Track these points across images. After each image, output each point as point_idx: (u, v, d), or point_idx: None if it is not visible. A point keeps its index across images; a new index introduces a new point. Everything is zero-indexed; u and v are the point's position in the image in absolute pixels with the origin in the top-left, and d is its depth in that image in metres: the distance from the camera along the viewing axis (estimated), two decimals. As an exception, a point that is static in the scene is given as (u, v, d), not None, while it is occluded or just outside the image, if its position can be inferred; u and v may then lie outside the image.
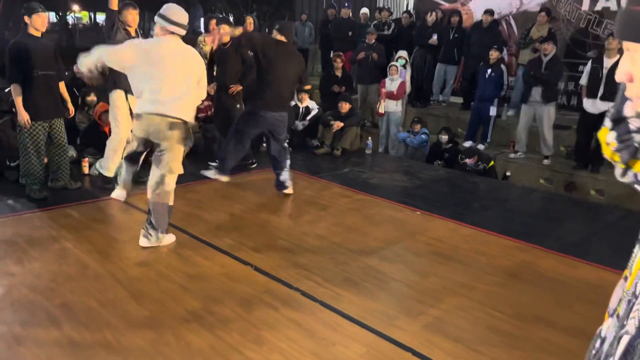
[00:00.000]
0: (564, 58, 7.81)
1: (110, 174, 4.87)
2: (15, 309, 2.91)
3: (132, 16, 4.75)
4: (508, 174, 7.08)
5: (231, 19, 14.27)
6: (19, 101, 4.40)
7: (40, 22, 4.41)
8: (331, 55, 9.56)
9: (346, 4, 9.84)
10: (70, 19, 30.85)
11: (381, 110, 7.96)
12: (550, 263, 3.86)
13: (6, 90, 6.30)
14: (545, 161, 7.01)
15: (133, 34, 4.76)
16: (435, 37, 8.54)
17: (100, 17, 39.22)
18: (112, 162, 4.84)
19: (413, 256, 3.97)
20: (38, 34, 4.45)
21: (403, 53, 8.29)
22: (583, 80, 6.66)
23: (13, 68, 4.37)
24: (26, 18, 4.39)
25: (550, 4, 8.39)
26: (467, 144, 7.59)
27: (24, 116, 4.41)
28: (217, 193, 5.08)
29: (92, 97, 6.57)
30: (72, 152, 5.37)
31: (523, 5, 8.85)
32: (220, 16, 7.51)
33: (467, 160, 6.52)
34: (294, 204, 5.03)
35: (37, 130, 4.52)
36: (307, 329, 2.87)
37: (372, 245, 4.06)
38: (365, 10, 10.12)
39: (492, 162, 6.64)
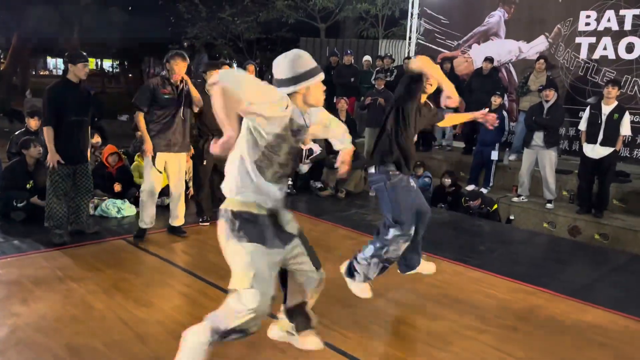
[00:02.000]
0: (565, 104, 7.96)
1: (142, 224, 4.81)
2: (20, 349, 2.87)
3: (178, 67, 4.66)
4: (512, 217, 7.10)
5: (234, 65, 14.69)
6: (50, 143, 4.41)
7: (83, 71, 4.46)
8: (334, 101, 9.78)
9: (348, 51, 10.10)
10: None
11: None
12: (559, 306, 3.82)
13: (16, 133, 6.42)
14: (549, 205, 7.03)
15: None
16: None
17: (107, 64, 40.32)
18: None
19: (420, 299, 3.93)
20: (77, 81, 4.48)
21: (405, 98, 8.44)
22: (582, 126, 6.76)
23: (49, 111, 4.42)
24: (70, 65, 4.44)
25: (548, 52, 8.62)
26: (470, 187, 7.63)
27: (54, 158, 4.42)
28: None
29: (96, 139, 6.65)
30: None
31: (522, 53, 9.08)
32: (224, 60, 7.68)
33: (471, 203, 6.54)
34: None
35: (62, 174, 4.51)
36: (314, 372, 2.82)
37: (379, 288, 4.01)
38: (367, 57, 10.38)
39: (495, 206, 6.67)
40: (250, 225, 2.27)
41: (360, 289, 3.53)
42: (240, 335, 2.35)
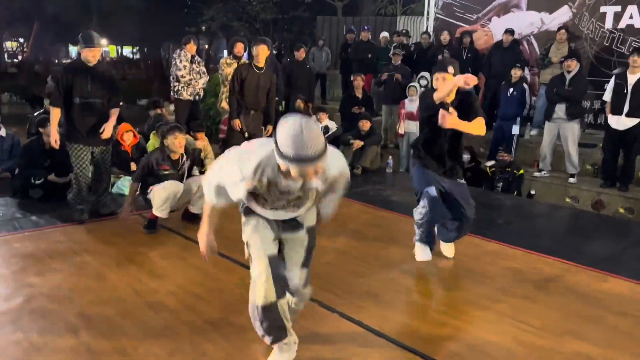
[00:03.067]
0: (589, 76, 7.69)
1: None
2: (34, 318, 2.91)
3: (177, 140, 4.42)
4: (533, 192, 6.93)
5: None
6: (53, 123, 4.43)
7: (90, 55, 4.36)
8: (351, 79, 9.65)
9: (366, 27, 9.93)
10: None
11: (401, 131, 7.93)
12: (579, 277, 3.72)
13: (35, 114, 6.49)
14: (571, 179, 6.84)
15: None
16: (446, 54, 8.53)
17: (126, 50, 40.67)
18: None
19: (436, 270, 3.86)
20: (90, 63, 4.39)
21: (425, 74, 8.29)
22: (607, 97, 6.54)
23: (57, 92, 4.41)
24: (78, 47, 4.40)
25: (571, 22, 8.33)
26: (490, 163, 7.47)
27: (52, 137, 4.47)
28: (235, 208, 5.07)
29: None
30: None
31: (544, 25, 8.81)
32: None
33: (501, 156, 6.52)
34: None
35: (80, 153, 4.49)
36: (326, 339, 2.79)
37: (393, 259, 3.98)
38: (385, 33, 10.19)
39: (522, 170, 6.60)
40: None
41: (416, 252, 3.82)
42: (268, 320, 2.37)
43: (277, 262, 2.40)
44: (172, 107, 7.73)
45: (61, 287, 3.30)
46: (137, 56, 36.41)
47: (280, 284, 2.38)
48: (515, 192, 6.62)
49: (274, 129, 2.06)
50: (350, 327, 2.94)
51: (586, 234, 4.86)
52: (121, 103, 4.75)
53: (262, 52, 5.64)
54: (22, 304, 3.05)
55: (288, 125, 1.95)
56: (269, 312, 2.34)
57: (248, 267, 3.65)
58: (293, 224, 2.46)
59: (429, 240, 3.75)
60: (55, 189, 5.14)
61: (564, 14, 8.57)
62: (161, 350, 2.63)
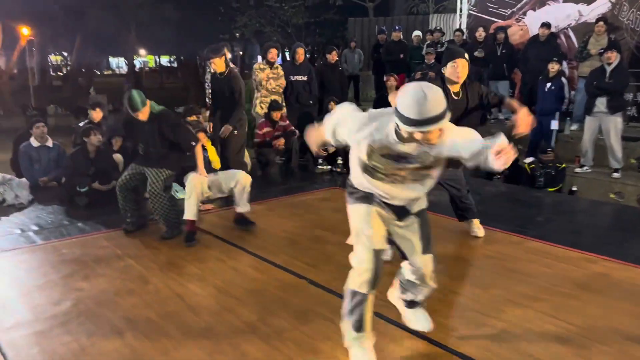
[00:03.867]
0: (630, 68, 7.44)
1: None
2: (81, 321, 3.03)
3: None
4: (574, 189, 6.76)
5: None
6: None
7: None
8: (384, 80, 9.62)
9: (397, 27, 9.90)
10: (137, 63, 32.91)
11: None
12: (624, 274, 3.61)
13: (80, 124, 6.74)
14: (615, 174, 6.64)
15: None
16: (481, 51, 8.42)
17: (164, 60, 41.60)
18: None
19: (473, 269, 3.82)
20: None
21: (458, 71, 8.19)
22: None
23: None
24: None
25: (611, 13, 8.08)
26: (528, 160, 7.32)
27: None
28: (272, 212, 5.15)
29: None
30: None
31: (582, 17, 8.58)
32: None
33: (542, 156, 6.49)
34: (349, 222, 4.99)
35: (129, 170, 4.48)
36: (364, 340, 2.80)
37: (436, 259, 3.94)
38: (417, 32, 10.13)
39: (564, 164, 6.46)
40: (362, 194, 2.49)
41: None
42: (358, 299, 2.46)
43: (380, 259, 2.44)
44: (207, 113, 7.87)
45: (107, 291, 3.42)
46: (174, 64, 37.27)
47: (377, 281, 2.44)
48: (560, 186, 6.48)
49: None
50: (389, 328, 2.94)
51: (631, 230, 4.70)
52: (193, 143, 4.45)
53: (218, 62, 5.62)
54: (70, 308, 3.19)
55: (410, 91, 2.06)
56: (358, 301, 2.44)
57: (284, 269, 3.74)
58: (403, 211, 2.50)
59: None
60: (99, 197, 5.33)
61: (602, 5, 8.34)
62: (201, 351, 2.70)
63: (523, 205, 5.54)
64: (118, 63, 46.24)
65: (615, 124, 6.51)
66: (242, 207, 4.62)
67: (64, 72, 32.61)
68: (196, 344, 2.77)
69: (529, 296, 3.29)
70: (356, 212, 2.50)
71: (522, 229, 4.58)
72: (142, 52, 34.37)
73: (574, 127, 7.91)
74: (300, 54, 7.54)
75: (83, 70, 25.15)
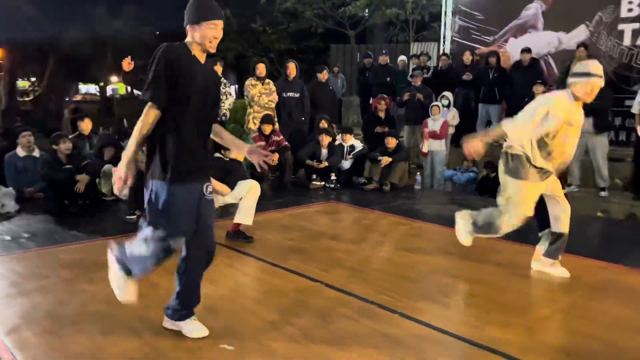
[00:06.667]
0: (608, 94, 7.73)
1: None
2: (93, 320, 2.86)
3: None
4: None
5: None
6: None
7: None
8: (370, 102, 9.73)
9: (384, 52, 10.07)
10: (109, 90, 32.48)
11: (425, 149, 7.93)
12: (637, 278, 3.64)
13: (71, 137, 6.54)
14: (603, 193, 6.78)
15: None
16: (469, 74, 8.62)
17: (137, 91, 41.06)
18: None
19: (488, 275, 3.78)
20: None
21: (447, 94, 8.36)
22: (635, 109, 6.56)
23: None
24: None
25: (589, 41, 8.42)
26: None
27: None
28: (273, 223, 5.05)
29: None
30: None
31: (562, 44, 8.90)
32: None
33: None
34: (353, 231, 4.94)
35: None
36: (393, 338, 2.72)
37: (443, 266, 3.92)
38: (402, 57, 10.33)
39: (565, 190, 6.54)
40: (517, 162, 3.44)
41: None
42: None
43: None
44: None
45: (114, 294, 3.24)
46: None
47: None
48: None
49: None
50: (413, 326, 2.87)
51: (630, 241, 4.78)
52: None
53: None
54: (79, 308, 3.01)
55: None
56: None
57: (297, 273, 3.63)
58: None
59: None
60: (96, 204, 5.17)
61: (581, 33, 8.67)
62: (228, 350, 2.56)
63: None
64: (88, 89, 45.55)
65: (602, 143, 6.70)
66: (245, 218, 4.27)
67: (31, 97, 31.80)
68: (221, 342, 2.64)
69: (548, 298, 3.31)
70: (526, 188, 3.43)
71: (525, 238, 4.59)
72: (114, 79, 33.96)
73: (558, 149, 8.11)
74: (292, 69, 7.56)
75: (52, 96, 24.62)
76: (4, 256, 3.92)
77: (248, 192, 4.27)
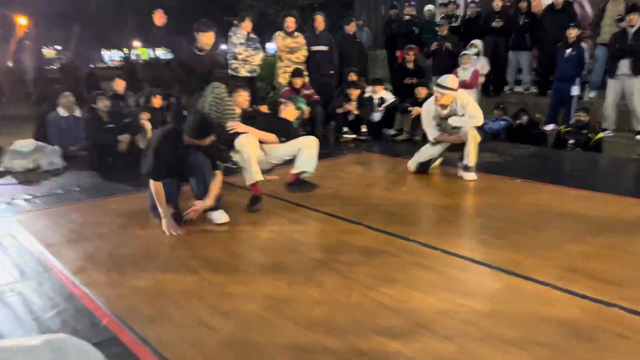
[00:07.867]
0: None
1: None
2: (152, 261, 3.04)
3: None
4: (597, 152, 6.81)
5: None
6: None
7: None
8: (396, 54, 9.61)
9: (411, 2, 9.88)
10: (131, 56, 32.67)
11: (455, 99, 7.87)
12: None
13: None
14: (638, 137, 6.69)
15: None
16: (499, 21, 8.41)
17: (160, 52, 41.21)
18: None
19: (522, 215, 3.85)
20: None
21: (476, 42, 8.22)
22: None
23: None
24: None
25: (626, -20, 8.10)
26: (549, 127, 7.37)
27: None
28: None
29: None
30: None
31: (596, -15, 8.59)
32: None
33: (578, 116, 6.56)
34: (387, 179, 5.04)
35: None
36: (437, 270, 2.85)
37: (480, 208, 4.01)
38: (429, 6, 10.12)
39: (599, 135, 6.45)
40: None
41: None
42: None
43: None
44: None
45: (167, 237, 3.43)
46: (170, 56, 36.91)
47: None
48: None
49: None
50: (455, 260, 2.98)
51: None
52: None
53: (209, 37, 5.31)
54: (135, 250, 3.20)
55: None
56: None
57: (336, 217, 3.74)
58: None
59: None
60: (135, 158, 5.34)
61: (617, -27, 8.33)
62: (280, 282, 2.73)
63: (556, 163, 5.61)
64: (111, 56, 45.77)
65: (639, 86, 6.56)
66: (307, 166, 4.11)
67: (58, 65, 32.13)
68: (271, 276, 2.80)
69: (586, 233, 3.35)
70: None
71: (561, 180, 4.63)
72: (137, 44, 33.97)
73: (592, 94, 7.95)
74: (319, 21, 7.48)
75: (77, 63, 24.88)
76: (60, 207, 4.16)
77: (308, 145, 4.14)
